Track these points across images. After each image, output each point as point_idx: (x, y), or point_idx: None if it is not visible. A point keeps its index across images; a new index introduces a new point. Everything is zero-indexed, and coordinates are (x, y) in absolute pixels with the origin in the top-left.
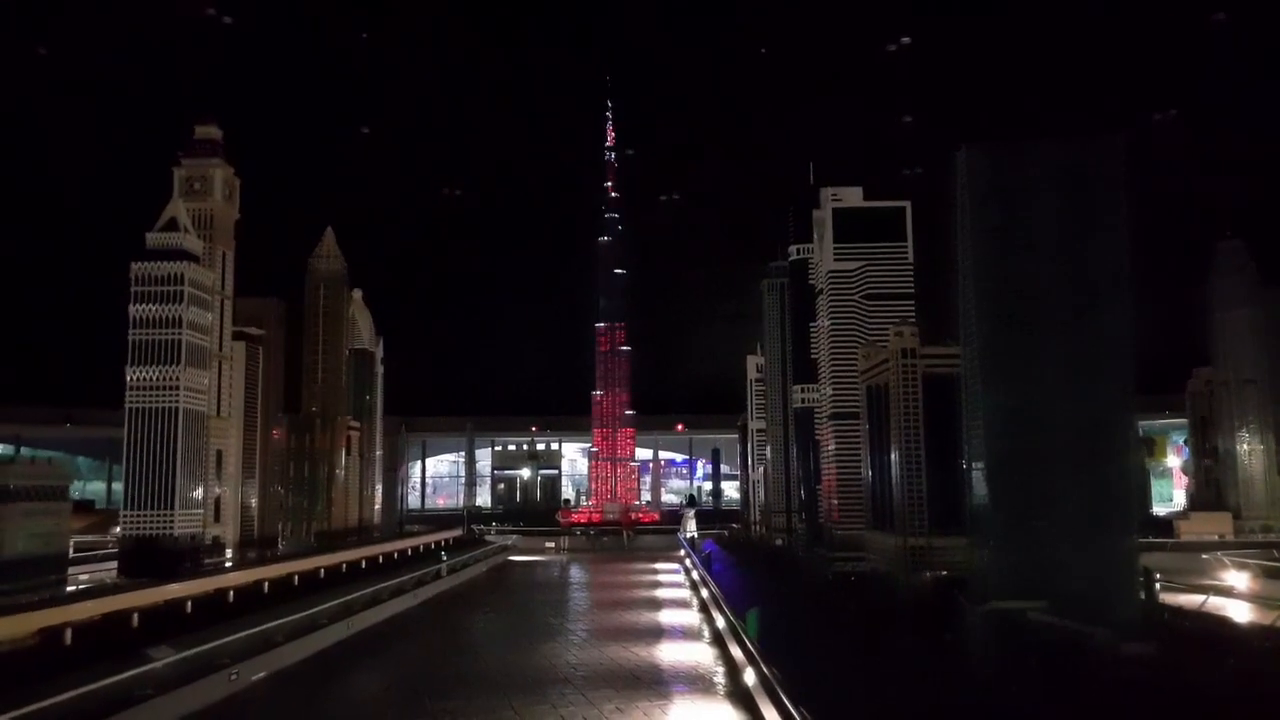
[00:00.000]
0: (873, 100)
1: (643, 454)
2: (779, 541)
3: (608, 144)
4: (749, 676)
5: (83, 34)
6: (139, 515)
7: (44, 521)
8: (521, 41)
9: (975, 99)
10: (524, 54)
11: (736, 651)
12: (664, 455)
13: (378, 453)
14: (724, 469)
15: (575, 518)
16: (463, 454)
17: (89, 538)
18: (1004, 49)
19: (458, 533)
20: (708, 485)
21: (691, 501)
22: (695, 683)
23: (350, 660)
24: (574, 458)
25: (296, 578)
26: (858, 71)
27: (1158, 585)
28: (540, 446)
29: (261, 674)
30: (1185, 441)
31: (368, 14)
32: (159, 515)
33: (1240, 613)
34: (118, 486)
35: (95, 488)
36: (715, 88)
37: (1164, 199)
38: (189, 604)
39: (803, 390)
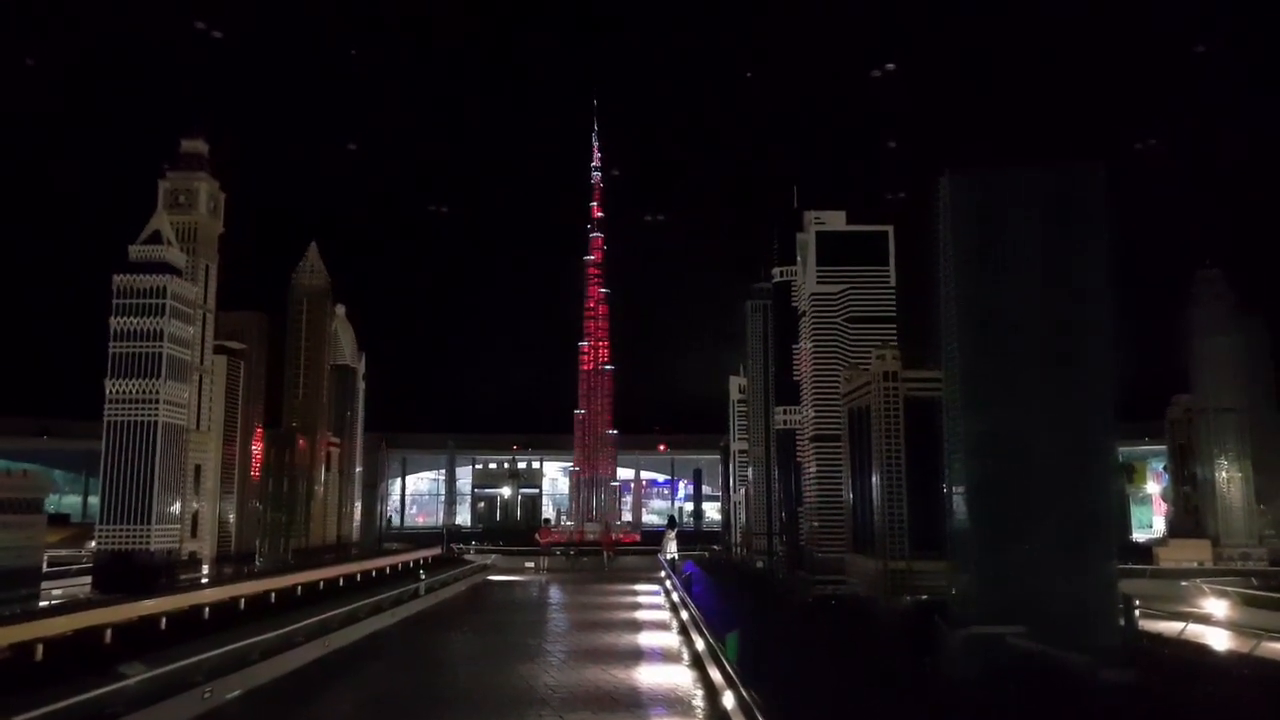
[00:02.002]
0: (857, 125)
1: (624, 474)
2: (760, 564)
3: (594, 164)
4: (728, 700)
5: (71, 46)
6: (115, 529)
7: (17, 535)
8: (508, 60)
9: (958, 125)
10: (511, 72)
11: (715, 674)
12: (646, 475)
13: (358, 469)
14: (706, 490)
15: (555, 537)
16: (443, 471)
17: (64, 551)
18: (988, 76)
19: (437, 551)
20: (689, 506)
21: (672, 523)
22: (674, 706)
23: (326, 679)
24: (555, 477)
25: (273, 594)
26: (842, 97)
27: (1137, 612)
28: (521, 465)
29: (236, 692)
30: (1165, 468)
31: (357, 30)
32: (135, 530)
33: (1219, 640)
34: (94, 500)
35: (71, 501)
36: (701, 110)
37: (1145, 226)
38: (163, 620)
39: (785, 412)
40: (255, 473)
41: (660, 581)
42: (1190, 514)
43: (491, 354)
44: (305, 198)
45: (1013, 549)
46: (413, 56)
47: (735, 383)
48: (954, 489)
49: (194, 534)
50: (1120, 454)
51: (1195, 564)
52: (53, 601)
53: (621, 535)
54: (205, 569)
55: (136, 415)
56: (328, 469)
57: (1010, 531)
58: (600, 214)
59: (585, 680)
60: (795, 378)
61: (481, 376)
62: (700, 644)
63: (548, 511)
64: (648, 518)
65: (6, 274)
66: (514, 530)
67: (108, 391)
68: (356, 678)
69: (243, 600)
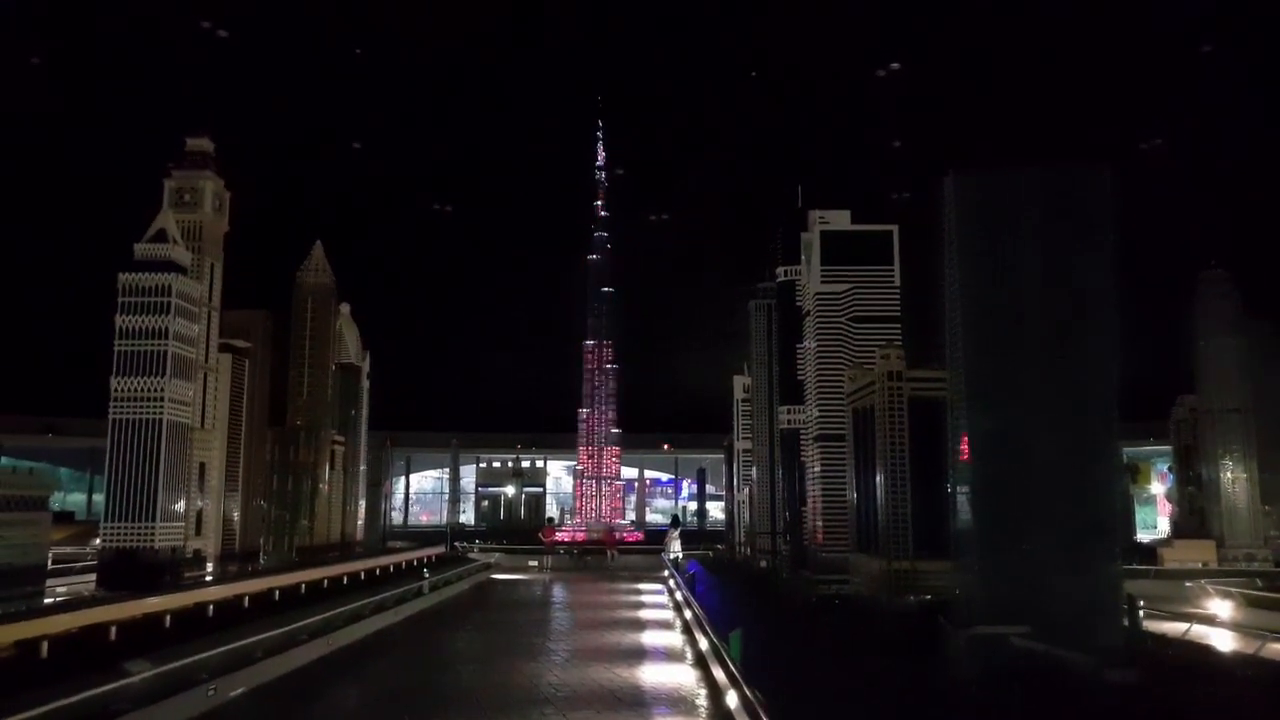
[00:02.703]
0: (861, 124)
1: (628, 473)
2: (763, 563)
3: (598, 163)
4: (731, 699)
5: (78, 44)
6: (119, 527)
7: (22, 532)
8: (514, 59)
9: (962, 125)
10: (516, 70)
11: (719, 673)
12: (649, 474)
13: (362, 467)
14: (709, 489)
15: (558, 536)
16: (447, 470)
17: (68, 549)
18: (990, 76)
19: (440, 550)
20: (693, 505)
21: (676, 522)
22: (677, 705)
23: (330, 676)
24: (559, 475)
25: (277, 592)
26: (845, 96)
27: (1141, 612)
28: (525, 464)
29: (240, 690)
30: (1169, 468)
31: (360, 29)
32: (140, 527)
33: (1223, 641)
34: (99, 498)
35: (76, 499)
36: (704, 110)
37: (1150, 226)
38: (168, 618)
39: (789, 411)
40: None
41: (664, 581)
42: (1195, 515)
43: (495, 353)
44: (310, 197)
45: (1016, 549)
46: (416, 56)
47: (739, 382)
48: (958, 489)
49: (198, 532)
50: (1125, 454)
51: (1200, 565)
52: (57, 599)
53: (625, 534)
54: (209, 567)
55: (141, 413)
56: (332, 467)
57: (1014, 531)
58: (604, 213)
59: (589, 679)
60: (799, 377)
61: (485, 375)
62: (704, 643)
63: (551, 510)
64: (651, 517)
65: (10, 272)
66: (518, 529)
67: (113, 389)
68: (360, 675)
69: (247, 598)
